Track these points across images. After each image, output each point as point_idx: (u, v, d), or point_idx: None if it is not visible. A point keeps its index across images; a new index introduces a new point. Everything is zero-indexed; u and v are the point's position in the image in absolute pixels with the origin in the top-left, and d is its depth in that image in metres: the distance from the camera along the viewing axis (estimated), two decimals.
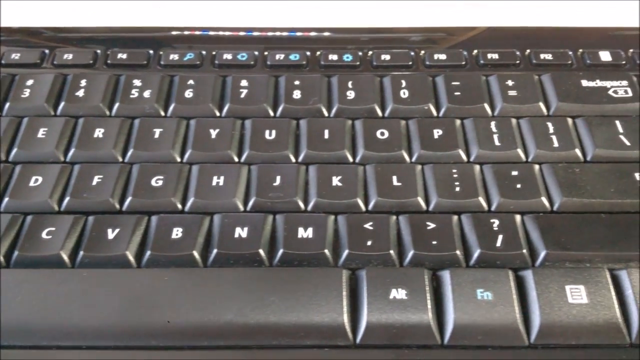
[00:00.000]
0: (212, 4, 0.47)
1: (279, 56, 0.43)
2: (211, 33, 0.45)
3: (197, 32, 0.44)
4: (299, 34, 0.45)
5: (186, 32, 0.44)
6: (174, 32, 0.45)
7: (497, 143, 0.37)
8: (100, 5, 0.47)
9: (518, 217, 0.34)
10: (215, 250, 0.33)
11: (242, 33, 0.45)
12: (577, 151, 0.37)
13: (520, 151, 0.37)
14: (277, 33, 0.45)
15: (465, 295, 0.30)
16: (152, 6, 0.47)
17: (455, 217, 0.34)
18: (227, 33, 0.45)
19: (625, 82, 0.40)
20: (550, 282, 0.31)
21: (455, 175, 0.36)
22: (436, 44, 0.43)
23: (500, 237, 0.33)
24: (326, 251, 0.32)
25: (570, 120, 0.38)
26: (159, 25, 0.45)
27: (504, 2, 0.47)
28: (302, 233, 0.33)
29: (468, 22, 0.45)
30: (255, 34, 0.45)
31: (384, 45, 0.43)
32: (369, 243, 0.33)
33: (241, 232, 0.33)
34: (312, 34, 0.44)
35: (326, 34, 0.45)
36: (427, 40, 0.44)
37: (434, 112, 0.39)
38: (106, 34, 0.45)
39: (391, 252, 0.32)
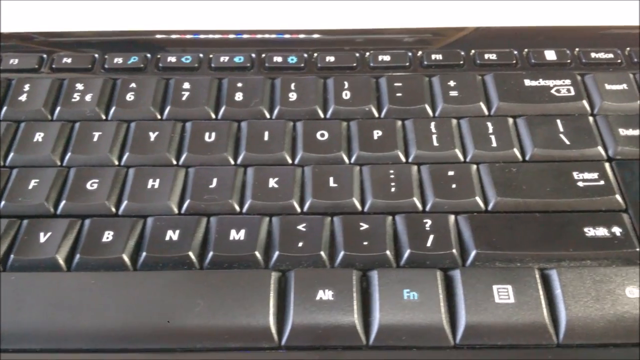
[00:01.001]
0: (157, 6, 0.47)
1: (224, 58, 0.43)
2: (158, 36, 0.44)
3: (142, 36, 0.44)
4: (245, 36, 0.44)
5: (133, 37, 0.44)
6: (120, 37, 0.45)
7: (435, 143, 0.37)
8: (82, 8, 0.48)
9: (452, 217, 0.34)
10: (144, 254, 0.32)
11: (188, 36, 0.45)
12: (516, 151, 0.36)
13: (458, 151, 0.37)
14: (223, 35, 0.45)
15: (391, 295, 0.30)
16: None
17: (389, 218, 0.34)
18: (172, 36, 0.45)
19: (568, 81, 0.40)
20: (477, 282, 0.30)
21: (392, 176, 0.35)
22: (381, 45, 0.43)
23: (431, 237, 0.32)
24: (257, 253, 0.32)
25: (510, 120, 0.38)
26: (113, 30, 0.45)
27: (455, 2, 0.47)
28: (234, 235, 0.33)
29: (416, 24, 0.45)
30: (202, 36, 0.45)
31: (330, 47, 0.43)
32: (300, 244, 0.33)
33: (172, 235, 0.33)
34: (259, 36, 0.44)
35: (272, 36, 0.44)
36: (372, 41, 0.44)
37: (375, 114, 0.39)
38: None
39: (322, 253, 0.32)
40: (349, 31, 0.45)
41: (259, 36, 0.44)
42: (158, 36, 0.45)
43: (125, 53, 0.43)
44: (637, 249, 0.32)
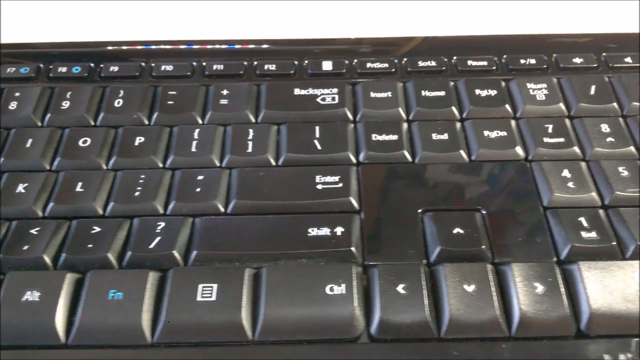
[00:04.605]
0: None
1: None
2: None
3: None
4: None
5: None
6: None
7: (193, 149, 0.38)
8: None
9: (190, 220, 0.34)
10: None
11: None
12: (269, 156, 0.37)
13: (214, 157, 0.37)
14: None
15: (97, 296, 0.31)
16: None
17: (128, 222, 0.34)
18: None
19: (335, 90, 0.41)
20: (185, 281, 0.31)
21: (140, 181, 0.36)
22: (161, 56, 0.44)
23: (158, 239, 0.33)
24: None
25: (275, 127, 0.39)
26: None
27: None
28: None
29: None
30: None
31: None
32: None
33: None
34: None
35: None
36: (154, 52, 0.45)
37: (146, 121, 0.40)
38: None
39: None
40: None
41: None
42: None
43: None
44: (352, 248, 0.32)
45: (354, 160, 0.37)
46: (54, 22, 0.48)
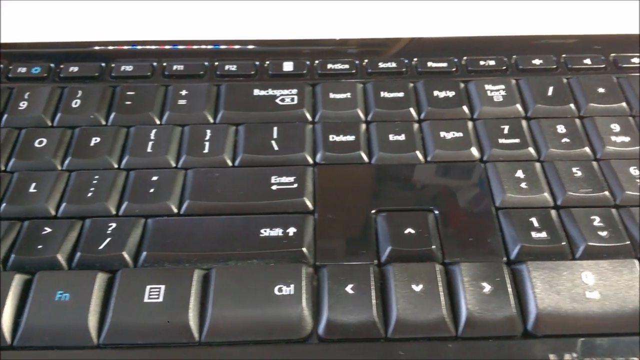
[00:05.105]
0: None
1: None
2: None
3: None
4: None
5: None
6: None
7: (149, 150, 0.38)
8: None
9: (142, 221, 0.34)
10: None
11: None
12: (226, 156, 0.37)
13: (170, 158, 0.37)
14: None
15: (44, 297, 0.30)
16: None
17: (80, 222, 0.34)
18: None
19: (294, 91, 0.41)
20: (134, 282, 0.31)
21: (95, 182, 0.36)
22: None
23: (108, 240, 0.33)
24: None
25: (233, 128, 0.39)
26: None
27: None
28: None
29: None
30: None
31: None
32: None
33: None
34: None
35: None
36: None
37: (103, 122, 0.40)
38: None
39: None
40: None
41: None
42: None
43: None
44: (303, 249, 0.32)
45: (310, 161, 0.37)
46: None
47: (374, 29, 0.47)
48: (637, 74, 0.42)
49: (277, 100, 0.40)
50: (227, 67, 0.43)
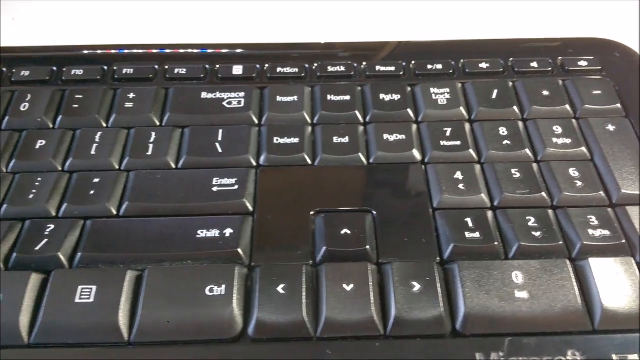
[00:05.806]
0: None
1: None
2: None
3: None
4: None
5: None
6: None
7: (92, 152, 0.38)
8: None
9: (81, 223, 0.34)
10: None
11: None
12: (169, 158, 0.37)
13: (113, 160, 0.37)
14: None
15: None
16: None
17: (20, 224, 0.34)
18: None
19: (242, 94, 0.41)
20: (66, 283, 0.31)
21: (37, 184, 0.36)
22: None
23: (44, 241, 0.33)
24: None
25: (179, 130, 0.39)
26: None
27: None
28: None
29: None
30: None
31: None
32: None
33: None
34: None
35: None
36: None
37: (50, 125, 0.40)
38: None
39: None
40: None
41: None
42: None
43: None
44: (238, 249, 0.32)
45: (254, 163, 0.37)
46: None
47: (324, 33, 0.48)
48: (584, 77, 0.43)
49: (224, 103, 0.41)
50: (177, 71, 0.43)
